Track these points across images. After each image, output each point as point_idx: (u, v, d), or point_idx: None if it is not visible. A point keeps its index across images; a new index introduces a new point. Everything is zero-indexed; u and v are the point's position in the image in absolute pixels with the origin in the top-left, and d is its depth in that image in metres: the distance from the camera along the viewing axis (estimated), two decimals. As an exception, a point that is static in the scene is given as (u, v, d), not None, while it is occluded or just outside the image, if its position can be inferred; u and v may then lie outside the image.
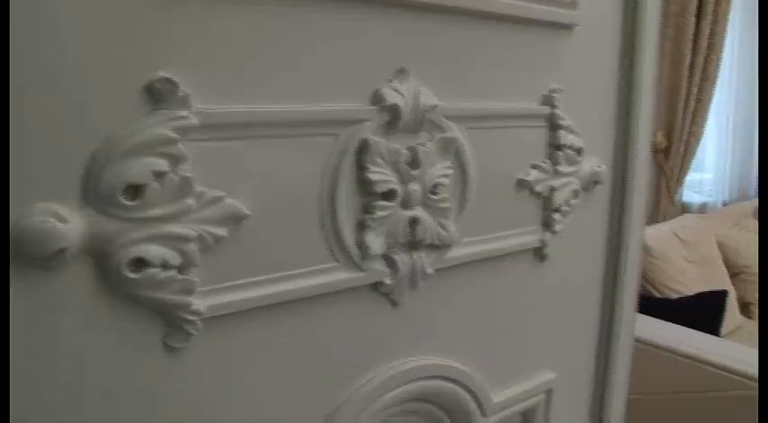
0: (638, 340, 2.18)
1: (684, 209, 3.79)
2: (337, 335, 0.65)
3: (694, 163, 4.18)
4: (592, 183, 0.84)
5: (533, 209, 0.79)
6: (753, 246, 3.02)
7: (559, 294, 0.86)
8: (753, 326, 2.86)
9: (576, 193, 0.82)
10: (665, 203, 3.64)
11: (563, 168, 0.79)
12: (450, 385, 0.74)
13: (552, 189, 0.79)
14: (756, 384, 1.94)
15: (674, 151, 3.68)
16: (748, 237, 3.07)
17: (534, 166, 0.77)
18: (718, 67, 3.78)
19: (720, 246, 2.91)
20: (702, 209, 3.88)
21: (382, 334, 0.68)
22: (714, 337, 2.31)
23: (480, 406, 0.78)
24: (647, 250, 2.57)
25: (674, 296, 2.52)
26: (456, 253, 0.71)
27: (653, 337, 2.18)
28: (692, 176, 4.22)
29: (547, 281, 0.83)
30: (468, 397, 0.76)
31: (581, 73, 0.82)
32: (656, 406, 2.14)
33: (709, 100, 3.79)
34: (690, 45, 3.58)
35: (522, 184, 0.76)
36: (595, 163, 0.84)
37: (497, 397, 0.80)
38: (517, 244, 0.78)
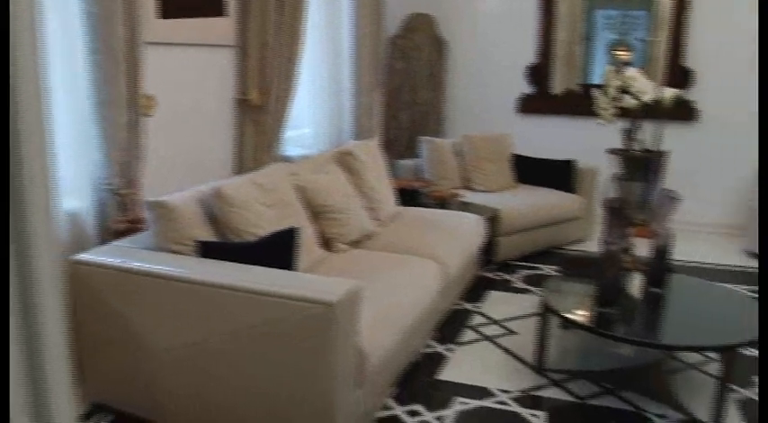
0: (217, 285, 2.23)
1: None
2: None
3: (296, 119, 4.42)
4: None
5: None
6: (330, 187, 3.28)
7: None
8: (333, 258, 3.13)
9: None
10: (265, 158, 3.78)
11: None
12: None
13: None
14: (316, 305, 2.10)
15: (270, 108, 3.82)
16: (327, 179, 3.32)
17: None
18: (304, 26, 3.99)
19: (301, 189, 3.10)
20: (304, 161, 4.10)
21: None
22: (287, 272, 2.46)
23: None
24: (226, 200, 2.62)
25: (254, 239, 2.62)
26: None
27: (233, 281, 2.24)
28: (295, 132, 4.46)
29: None
30: None
31: None
32: (242, 341, 2.22)
33: (299, 58, 3.98)
34: (275, 4, 3.71)
35: None
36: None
37: None
38: None
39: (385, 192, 3.85)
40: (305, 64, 4.15)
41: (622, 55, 5.43)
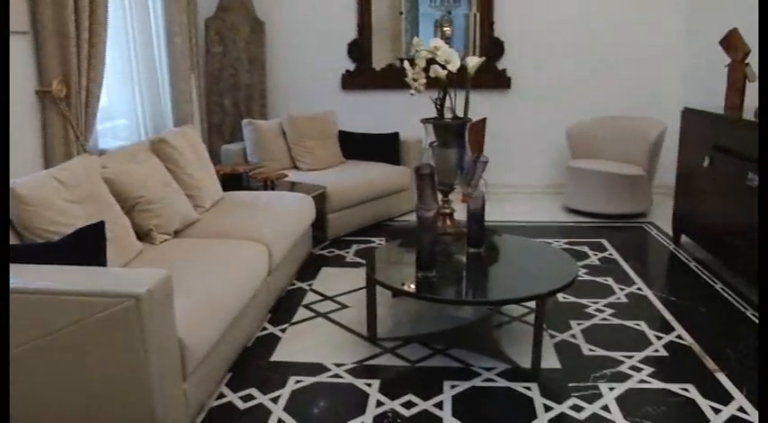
0: (21, 291, 2.06)
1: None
2: None
3: (111, 109, 4.19)
4: None
5: None
6: (143, 177, 3.14)
7: None
8: (152, 249, 3.01)
9: None
10: (76, 152, 3.55)
11: None
12: None
13: None
14: (124, 299, 2.00)
15: (75, 99, 3.58)
16: (140, 169, 3.18)
17: None
18: (105, 10, 3.75)
19: (110, 182, 2.94)
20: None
21: None
22: (92, 268, 2.33)
23: None
24: (20, 199, 2.43)
25: (57, 239, 2.45)
26: None
27: (28, 285, 2.08)
28: (111, 123, 4.22)
29: None
30: None
31: None
32: (53, 347, 2.07)
33: (104, 44, 3.75)
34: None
35: None
36: None
37: None
38: None
39: (207, 178, 3.74)
40: (114, 51, 3.93)
41: (446, 30, 5.65)
